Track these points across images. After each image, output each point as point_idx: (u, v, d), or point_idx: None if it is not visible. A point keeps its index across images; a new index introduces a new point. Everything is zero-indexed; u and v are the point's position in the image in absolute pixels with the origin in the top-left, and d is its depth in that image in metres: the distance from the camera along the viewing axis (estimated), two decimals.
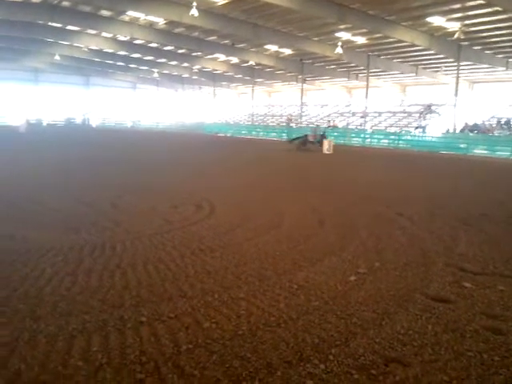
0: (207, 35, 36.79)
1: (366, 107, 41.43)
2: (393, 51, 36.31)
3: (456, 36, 27.03)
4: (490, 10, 23.77)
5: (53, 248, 4.88)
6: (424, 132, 35.74)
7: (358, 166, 18.08)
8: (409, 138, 34.97)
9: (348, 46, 34.99)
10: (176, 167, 14.22)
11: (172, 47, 42.95)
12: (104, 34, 38.94)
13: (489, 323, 3.43)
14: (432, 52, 33.18)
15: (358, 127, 42.09)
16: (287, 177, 12.82)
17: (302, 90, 47.35)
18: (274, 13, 28.21)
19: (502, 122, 33.71)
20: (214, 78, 57.87)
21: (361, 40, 33.24)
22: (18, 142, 24.79)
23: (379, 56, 38.40)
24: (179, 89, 67.11)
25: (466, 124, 34.47)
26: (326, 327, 3.27)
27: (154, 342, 2.96)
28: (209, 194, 8.81)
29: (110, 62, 51.79)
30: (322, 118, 50.06)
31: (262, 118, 58.26)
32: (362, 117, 42.70)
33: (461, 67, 33.26)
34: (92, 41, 40.48)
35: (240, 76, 54.75)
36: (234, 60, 46.59)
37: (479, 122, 34.60)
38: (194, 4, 26.06)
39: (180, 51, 44.96)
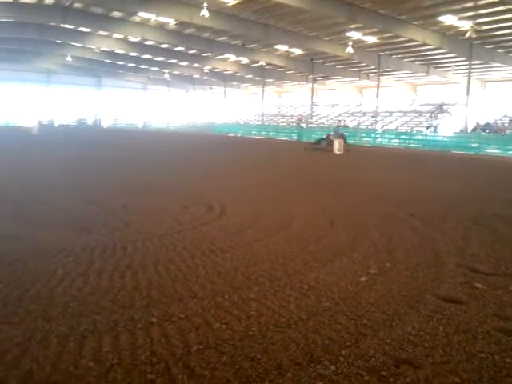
0: (218, 36, 36.86)
1: (377, 107, 41.24)
2: (404, 50, 36.12)
3: (468, 35, 26.81)
4: (502, 8, 23.56)
5: (64, 249, 4.91)
6: (435, 131, 35.51)
7: (368, 165, 18.00)
8: (420, 137, 34.77)
9: (359, 45, 34.88)
10: (187, 167, 14.26)
11: (183, 48, 43.07)
12: (115, 35, 39.18)
13: (501, 324, 3.40)
14: (443, 51, 32.94)
15: (369, 127, 41.93)
16: (297, 177, 12.80)
17: (313, 89, 47.20)
18: (285, 13, 28.19)
19: None
20: (224, 79, 57.94)
21: (371, 39, 33.11)
22: (31, 142, 24.98)
23: (390, 55, 38.22)
24: (190, 89, 67.25)
25: (478, 123, 34.18)
26: (336, 328, 3.26)
27: (164, 342, 2.97)
28: (219, 194, 8.82)
29: (121, 63, 52.06)
30: (332, 118, 49.89)
31: (272, 118, 58.22)
32: (372, 116, 42.53)
33: (472, 66, 33.00)
34: (103, 42, 40.75)
35: (250, 76, 54.78)
36: (245, 60, 46.61)
37: (491, 121, 34.31)
38: (205, 4, 26.14)
39: (191, 52, 45.07)
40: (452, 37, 30.10)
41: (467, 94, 33.06)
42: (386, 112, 45.59)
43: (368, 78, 47.94)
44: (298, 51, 40.31)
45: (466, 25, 26.83)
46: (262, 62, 45.34)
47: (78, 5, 30.19)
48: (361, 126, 42.89)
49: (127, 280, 4.05)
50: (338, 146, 23.97)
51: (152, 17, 31.53)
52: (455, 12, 25.18)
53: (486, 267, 4.73)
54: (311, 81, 46.51)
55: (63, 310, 3.39)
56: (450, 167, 17.90)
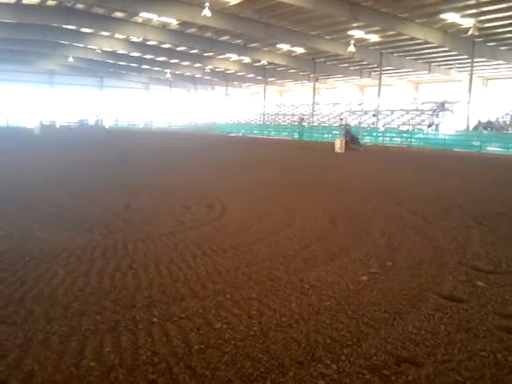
0: (219, 35, 36.87)
1: (379, 105, 41.21)
2: (406, 49, 36.09)
3: (470, 32, 26.75)
4: (505, 5, 23.54)
5: (66, 249, 4.92)
6: (437, 130, 35.46)
7: (369, 164, 17.99)
8: (421, 136, 34.73)
9: (360, 44, 34.86)
10: (188, 167, 14.27)
11: (184, 48, 43.11)
12: (117, 36, 39.23)
13: (502, 323, 3.39)
14: (445, 49, 32.90)
15: (371, 126, 41.89)
16: (298, 176, 12.78)
17: (314, 88, 47.18)
18: (287, 12, 28.19)
19: None
20: (226, 78, 57.98)
21: (373, 38, 33.08)
22: (33, 143, 25.02)
23: (392, 54, 38.18)
24: (192, 89, 67.33)
25: (480, 121, 34.13)
26: (337, 327, 3.26)
27: (165, 342, 2.97)
28: (220, 193, 8.83)
29: (123, 63, 52.13)
30: (334, 117, 49.89)
31: (273, 117, 58.23)
32: (374, 115, 42.49)
33: (475, 64, 32.93)
34: (105, 42, 40.83)
35: (252, 75, 54.80)
36: (247, 60, 46.62)
37: (493, 119, 34.24)
38: (207, 4, 26.15)
39: (192, 52, 45.12)
40: (454, 34, 30.06)
41: (469, 91, 32.99)
42: (388, 110, 45.56)
43: (370, 77, 47.91)
44: (299, 50, 40.29)
45: (468, 22, 26.78)
46: (263, 62, 45.35)
47: (80, 6, 30.24)
48: (362, 125, 42.85)
49: (128, 280, 4.06)
50: (339, 144, 23.97)
51: (154, 17, 31.57)
52: (457, 10, 25.15)
53: (487, 265, 4.73)
54: (313, 80, 46.50)
55: (65, 311, 3.39)
56: (452, 165, 17.87)
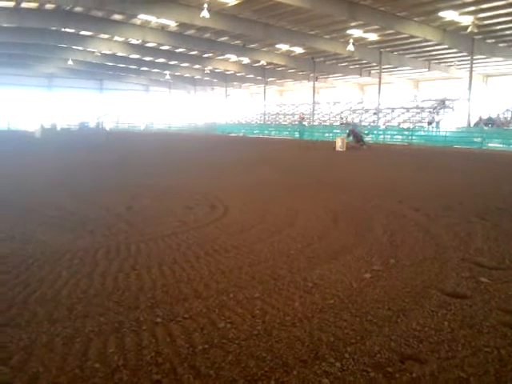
0: (218, 36, 36.91)
1: (379, 104, 41.19)
2: (405, 47, 36.10)
3: (469, 30, 26.79)
4: (503, 2, 23.53)
5: (68, 251, 4.92)
6: (438, 127, 35.46)
7: (371, 162, 17.98)
8: (422, 133, 34.72)
9: (360, 42, 34.88)
10: (190, 168, 14.27)
11: (184, 49, 43.17)
12: (116, 38, 39.30)
13: (506, 318, 3.39)
14: (445, 46, 32.93)
15: (371, 124, 41.87)
16: (299, 175, 12.78)
17: (314, 88, 47.18)
18: (285, 12, 28.23)
19: None
20: (225, 79, 58.04)
21: (372, 37, 33.10)
22: (34, 146, 25.03)
23: (391, 52, 38.19)
24: (191, 90, 67.42)
25: (480, 118, 34.11)
26: (341, 325, 3.26)
27: (169, 342, 2.97)
28: (222, 193, 8.83)
29: (123, 65, 52.24)
30: (334, 116, 49.88)
31: (274, 117, 58.24)
32: (374, 113, 42.47)
33: (474, 61, 32.93)
34: (104, 45, 40.89)
35: (252, 76, 54.84)
36: (246, 60, 46.66)
37: (493, 116, 34.22)
38: (205, 6, 26.17)
39: (192, 53, 45.18)
40: (453, 32, 30.07)
41: (469, 88, 33.00)
42: (388, 108, 45.54)
43: (369, 75, 47.92)
44: (298, 50, 40.32)
45: (467, 20, 26.78)
46: (263, 62, 45.39)
47: (78, 9, 30.32)
48: (363, 123, 42.82)
49: (132, 281, 4.06)
50: (340, 143, 23.96)
51: (153, 19, 31.63)
52: (456, 7, 25.16)
53: (490, 261, 4.72)
54: (312, 79, 46.50)
55: (68, 312, 3.39)
56: (453, 162, 17.86)
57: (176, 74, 57.23)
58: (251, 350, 2.89)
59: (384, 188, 10.16)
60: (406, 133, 35.17)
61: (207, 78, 59.18)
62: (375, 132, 37.37)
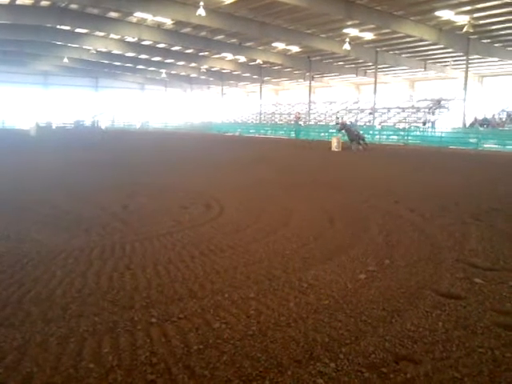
0: (214, 34, 36.84)
1: (375, 103, 41.22)
2: (401, 46, 36.12)
3: (465, 29, 26.79)
4: (499, 2, 23.58)
5: (63, 250, 4.91)
6: (433, 127, 35.52)
7: (366, 162, 18.01)
8: (418, 133, 34.78)
9: (356, 42, 34.88)
10: (185, 167, 14.25)
11: (180, 47, 43.06)
12: (112, 36, 39.16)
13: (500, 319, 3.40)
14: (441, 46, 32.97)
15: (367, 123, 41.91)
16: (295, 174, 12.79)
17: (310, 87, 47.16)
18: (282, 10, 28.20)
19: None
20: (221, 78, 57.94)
21: (368, 36, 33.10)
22: (29, 144, 24.94)
23: (387, 51, 38.21)
24: (187, 89, 67.28)
25: (476, 118, 34.20)
26: (336, 326, 3.26)
27: (164, 342, 2.97)
28: (218, 193, 8.83)
29: (118, 63, 52.04)
30: (330, 116, 49.91)
31: (270, 116, 58.23)
32: (370, 113, 42.52)
33: (470, 61, 32.99)
34: (100, 43, 40.76)
35: (248, 75, 54.76)
36: (242, 59, 46.61)
37: (489, 116, 34.31)
38: (201, 4, 26.12)
39: (188, 51, 45.07)
40: (449, 32, 30.11)
41: (465, 88, 33.05)
42: (384, 108, 45.60)
43: (365, 75, 47.93)
44: (295, 49, 40.28)
45: (462, 19, 26.82)
46: (259, 61, 45.27)
47: (74, 6, 30.16)
48: (359, 123, 42.86)
49: (126, 281, 4.05)
50: (335, 143, 23.97)
51: (149, 17, 31.52)
52: (452, 7, 25.19)
53: (484, 262, 4.74)
54: (308, 78, 46.49)
55: (63, 312, 3.38)
56: (449, 163, 17.90)
57: (172, 72, 57.09)
58: (246, 351, 2.90)
59: (380, 188, 10.17)
60: (402, 133, 35.22)
61: (203, 77, 59.09)
62: (371, 132, 37.38)
